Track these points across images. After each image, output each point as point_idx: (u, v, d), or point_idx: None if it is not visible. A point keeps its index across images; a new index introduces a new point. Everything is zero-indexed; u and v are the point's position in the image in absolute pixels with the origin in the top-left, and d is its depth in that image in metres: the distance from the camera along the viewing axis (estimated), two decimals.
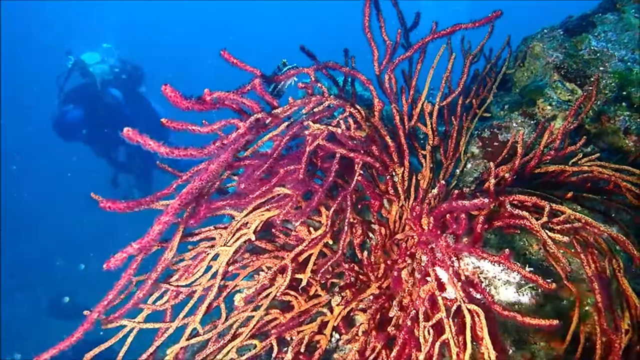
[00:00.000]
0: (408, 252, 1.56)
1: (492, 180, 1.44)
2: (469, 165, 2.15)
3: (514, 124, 2.16)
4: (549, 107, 2.17)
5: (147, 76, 7.70)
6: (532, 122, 2.16)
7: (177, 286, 1.65)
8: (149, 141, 1.08)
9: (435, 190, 1.41)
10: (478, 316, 1.30)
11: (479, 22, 1.56)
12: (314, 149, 1.58)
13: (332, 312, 1.68)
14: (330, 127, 1.57)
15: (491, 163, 1.56)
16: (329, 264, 1.60)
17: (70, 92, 6.92)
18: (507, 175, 1.53)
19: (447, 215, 1.43)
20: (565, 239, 1.29)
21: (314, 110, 1.64)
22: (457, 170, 2.10)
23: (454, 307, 1.36)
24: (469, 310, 1.31)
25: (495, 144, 2.11)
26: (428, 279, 1.43)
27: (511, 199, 1.43)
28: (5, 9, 21.45)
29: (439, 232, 1.44)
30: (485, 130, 2.17)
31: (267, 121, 1.55)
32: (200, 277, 1.65)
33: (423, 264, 1.50)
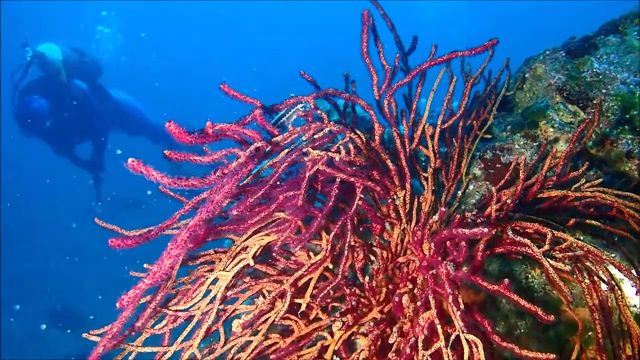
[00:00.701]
0: (409, 277, 1.55)
1: (494, 207, 1.43)
2: (470, 187, 2.14)
3: (516, 146, 2.16)
4: (551, 129, 2.17)
5: (105, 69, 7.41)
6: (534, 144, 2.15)
7: (176, 311, 1.64)
8: (152, 172, 1.09)
9: (436, 217, 1.40)
10: (476, 347, 1.28)
11: (475, 50, 1.57)
12: (314, 174, 1.58)
13: (332, 335, 1.67)
14: (329, 153, 1.57)
15: (493, 188, 1.56)
16: (328, 288, 1.59)
17: (31, 84, 6.43)
18: (509, 200, 1.52)
19: (448, 242, 1.42)
20: (568, 267, 1.28)
21: (314, 136, 1.64)
22: (459, 192, 2.10)
23: (453, 336, 1.35)
24: (467, 340, 1.30)
25: (498, 165, 2.11)
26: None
27: (513, 225, 1.42)
28: (6, 9, 21.58)
29: (439, 258, 1.43)
30: (488, 151, 2.17)
31: (268, 149, 1.55)
32: (199, 301, 1.64)
33: (423, 290, 1.48)
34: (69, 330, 10.91)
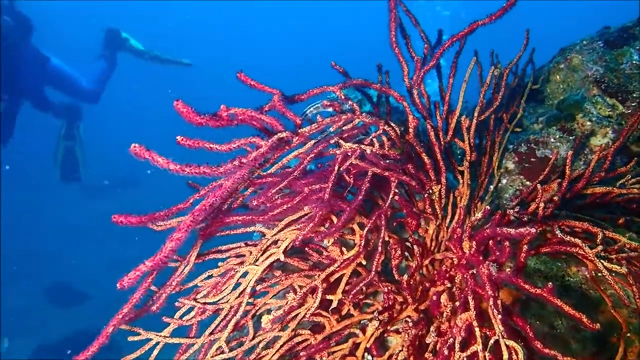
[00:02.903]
0: (447, 275, 1.50)
1: (542, 205, 1.37)
2: (503, 181, 2.07)
3: (552, 140, 2.08)
4: (588, 123, 2.09)
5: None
6: (570, 137, 2.08)
7: (204, 303, 1.61)
8: (157, 158, 1.04)
9: (479, 215, 1.35)
10: (516, 353, 1.24)
11: (495, 15, 1.50)
12: (344, 167, 1.52)
13: (364, 332, 1.62)
14: (362, 146, 1.51)
15: (538, 185, 1.50)
16: (361, 284, 1.54)
17: None
18: (555, 197, 1.46)
19: (490, 241, 1.37)
20: (624, 269, 1.22)
21: (343, 128, 1.58)
22: (491, 187, 2.03)
23: (492, 341, 1.30)
24: (507, 346, 1.25)
25: (533, 159, 2.04)
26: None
27: (560, 224, 1.36)
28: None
29: (480, 257, 1.38)
30: (522, 145, 2.10)
31: (294, 140, 1.49)
32: (228, 294, 1.61)
33: (462, 290, 1.44)
34: (67, 308, 11.00)
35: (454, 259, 1.52)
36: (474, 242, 1.38)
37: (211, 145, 1.16)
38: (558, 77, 2.40)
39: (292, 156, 1.53)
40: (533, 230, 1.22)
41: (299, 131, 1.50)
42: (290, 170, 1.51)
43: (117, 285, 1.13)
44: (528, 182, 2.01)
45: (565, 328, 1.73)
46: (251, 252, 1.61)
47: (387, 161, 1.58)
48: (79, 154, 7.90)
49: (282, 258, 1.55)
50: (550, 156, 2.04)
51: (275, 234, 1.59)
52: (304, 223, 1.60)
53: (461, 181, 1.79)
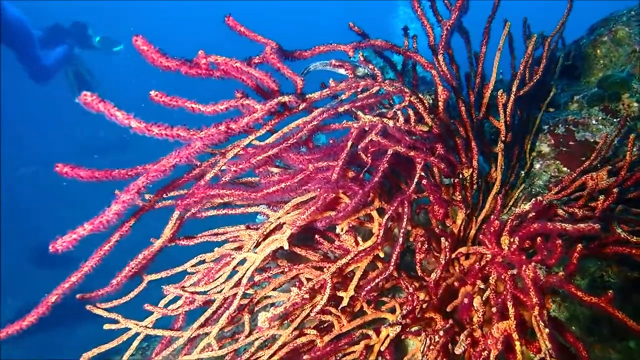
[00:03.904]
0: (480, 274, 1.28)
1: (602, 197, 1.14)
2: (537, 166, 1.84)
3: (594, 121, 1.85)
4: (635, 104, 1.85)
5: None
6: (615, 120, 1.84)
7: (193, 292, 1.39)
8: (115, 112, 0.81)
9: (526, 207, 1.12)
10: None
11: None
12: (358, 143, 1.28)
13: (378, 334, 1.41)
14: (385, 120, 1.27)
15: (594, 174, 1.27)
16: (378, 279, 1.32)
17: None
18: (615, 190, 1.23)
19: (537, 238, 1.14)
20: None
21: (359, 96, 1.32)
22: (522, 172, 1.80)
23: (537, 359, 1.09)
24: None
25: (571, 143, 1.80)
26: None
27: (619, 221, 1.14)
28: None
29: (523, 256, 1.15)
30: (559, 125, 1.86)
31: (300, 106, 1.24)
32: (221, 283, 1.39)
33: (498, 293, 1.22)
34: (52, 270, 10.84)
35: (487, 255, 1.30)
36: (517, 238, 1.16)
37: (193, 105, 0.92)
38: (599, 51, 2.15)
39: (295, 125, 1.28)
40: (597, 225, 1.00)
41: (307, 96, 1.25)
42: (286, 138, 1.26)
43: (50, 248, 0.94)
44: (565, 169, 1.78)
45: (605, 336, 1.52)
46: (251, 237, 1.38)
47: (413, 138, 1.34)
48: (86, 75, 7.76)
49: (286, 246, 1.32)
50: (591, 140, 1.81)
51: (279, 217, 1.37)
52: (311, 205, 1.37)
53: (494, 165, 1.56)
